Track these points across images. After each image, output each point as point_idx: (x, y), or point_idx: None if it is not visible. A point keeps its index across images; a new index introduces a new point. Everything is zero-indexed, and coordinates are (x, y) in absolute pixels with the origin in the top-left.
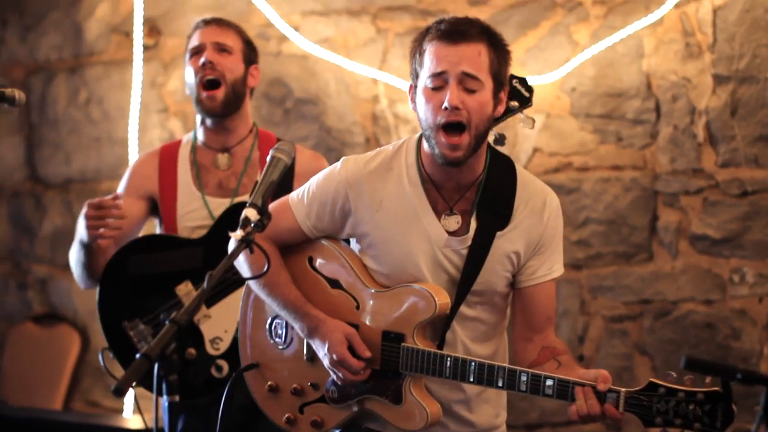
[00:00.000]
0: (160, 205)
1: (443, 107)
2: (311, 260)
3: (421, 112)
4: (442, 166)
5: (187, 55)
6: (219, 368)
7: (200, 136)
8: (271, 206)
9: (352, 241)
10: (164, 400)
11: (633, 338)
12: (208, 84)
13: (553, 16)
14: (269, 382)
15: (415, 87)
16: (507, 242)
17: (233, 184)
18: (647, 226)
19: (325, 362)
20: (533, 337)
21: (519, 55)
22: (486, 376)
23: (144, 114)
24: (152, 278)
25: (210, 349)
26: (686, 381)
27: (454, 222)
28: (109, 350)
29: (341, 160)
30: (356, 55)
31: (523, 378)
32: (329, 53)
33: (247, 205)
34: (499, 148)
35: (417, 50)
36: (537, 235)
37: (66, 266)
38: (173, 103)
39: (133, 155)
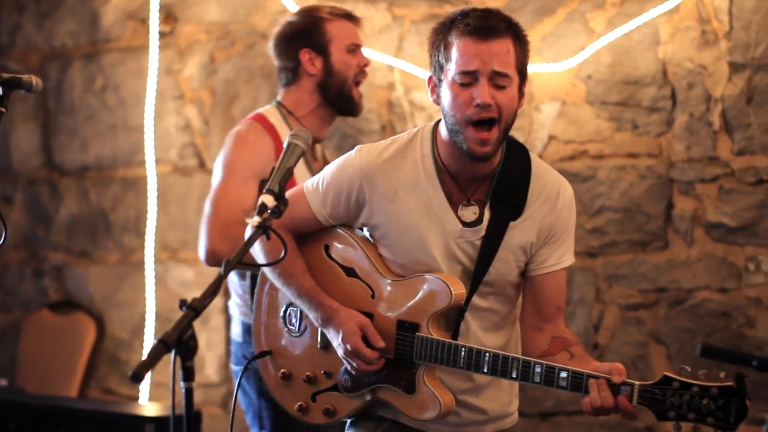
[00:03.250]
0: None
1: (475, 104)
2: (327, 248)
3: (447, 107)
4: (460, 158)
5: (343, 47)
6: None
7: (303, 124)
8: (287, 194)
9: (365, 230)
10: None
11: (648, 326)
12: (357, 84)
13: (569, 3)
14: (282, 370)
15: (438, 80)
16: (520, 232)
17: None
18: (662, 214)
19: (339, 352)
20: (543, 326)
21: (535, 43)
22: (500, 367)
23: (160, 101)
24: None
25: None
26: (700, 375)
27: (471, 213)
28: None
29: (355, 148)
30: (372, 42)
31: (537, 369)
32: None
33: (264, 191)
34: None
35: (441, 42)
36: (549, 224)
37: (82, 253)
38: (189, 90)
39: (149, 142)
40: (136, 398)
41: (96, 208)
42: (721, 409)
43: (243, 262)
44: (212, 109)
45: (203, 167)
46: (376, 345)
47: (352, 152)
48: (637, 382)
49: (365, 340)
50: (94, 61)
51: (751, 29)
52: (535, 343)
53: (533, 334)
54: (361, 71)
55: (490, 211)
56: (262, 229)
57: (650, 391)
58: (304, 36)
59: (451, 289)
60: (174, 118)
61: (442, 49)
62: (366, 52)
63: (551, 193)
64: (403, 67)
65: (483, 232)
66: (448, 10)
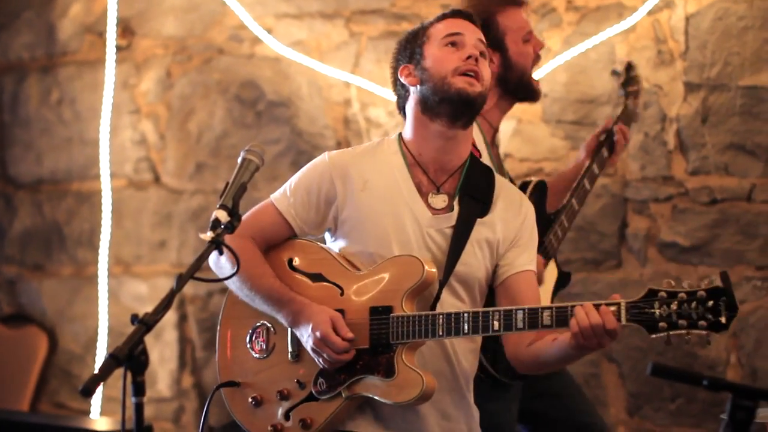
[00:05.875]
0: None
1: (465, 57)
2: (291, 261)
3: (433, 69)
4: (432, 140)
5: (519, 38)
6: None
7: (487, 118)
8: (254, 207)
9: (329, 239)
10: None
11: None
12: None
13: None
14: (252, 395)
15: (417, 62)
16: (486, 229)
17: None
18: (616, 233)
19: (309, 345)
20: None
21: None
22: (481, 322)
23: (116, 115)
24: None
25: None
26: (685, 285)
27: (440, 201)
28: None
29: (323, 154)
30: (329, 59)
31: (520, 315)
32: (302, 56)
33: (218, 206)
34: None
35: (414, 37)
36: (515, 229)
37: (35, 267)
38: (145, 105)
39: (104, 156)
40: (87, 412)
41: (50, 221)
42: (711, 311)
43: (196, 277)
44: (168, 123)
45: (158, 181)
46: (345, 336)
47: (321, 156)
48: (623, 300)
49: (336, 332)
50: (50, 74)
51: (706, 49)
52: (520, 344)
53: (516, 338)
54: (537, 57)
55: (459, 204)
56: (215, 245)
57: (638, 306)
58: None
59: (423, 263)
60: (129, 132)
61: (417, 39)
62: (322, 68)
63: (514, 199)
64: (359, 84)
65: (453, 221)
66: (406, 27)
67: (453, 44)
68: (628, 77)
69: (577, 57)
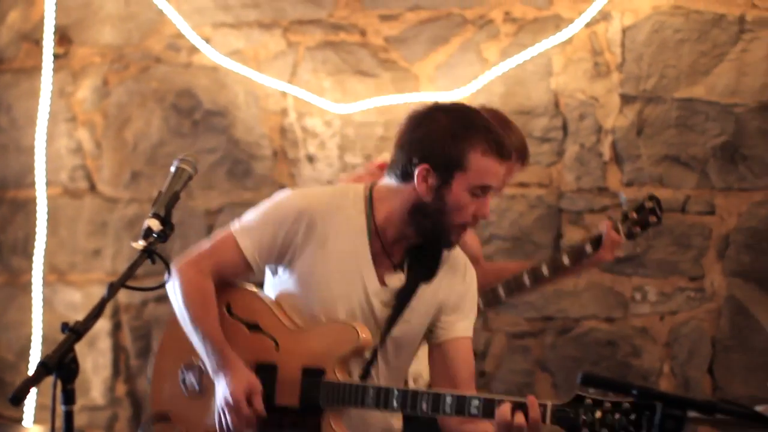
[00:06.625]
0: None
1: (480, 215)
2: (229, 307)
3: (448, 207)
4: (400, 224)
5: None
6: None
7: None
8: (215, 237)
9: (270, 277)
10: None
11: (535, 354)
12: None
13: (463, 32)
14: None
15: (443, 179)
16: (430, 294)
17: None
18: (551, 243)
19: (218, 401)
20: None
21: (429, 72)
22: (410, 401)
23: (52, 123)
24: None
25: None
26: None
27: (397, 280)
28: None
29: (287, 191)
30: (266, 68)
31: (448, 401)
32: (239, 65)
33: (150, 215)
34: None
35: (462, 150)
36: (457, 295)
37: None
38: (81, 113)
39: (40, 164)
40: (20, 420)
41: None
42: (633, 424)
43: (128, 285)
44: (104, 132)
45: (93, 190)
46: (257, 409)
47: (286, 194)
48: (550, 402)
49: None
50: None
51: (642, 62)
52: (452, 424)
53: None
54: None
55: (407, 269)
56: (147, 254)
57: (563, 410)
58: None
59: (358, 330)
60: (65, 141)
61: (457, 156)
62: (259, 77)
63: (459, 264)
64: (296, 94)
65: (397, 291)
66: (344, 38)
67: (478, 195)
68: (643, 208)
69: (514, 68)
